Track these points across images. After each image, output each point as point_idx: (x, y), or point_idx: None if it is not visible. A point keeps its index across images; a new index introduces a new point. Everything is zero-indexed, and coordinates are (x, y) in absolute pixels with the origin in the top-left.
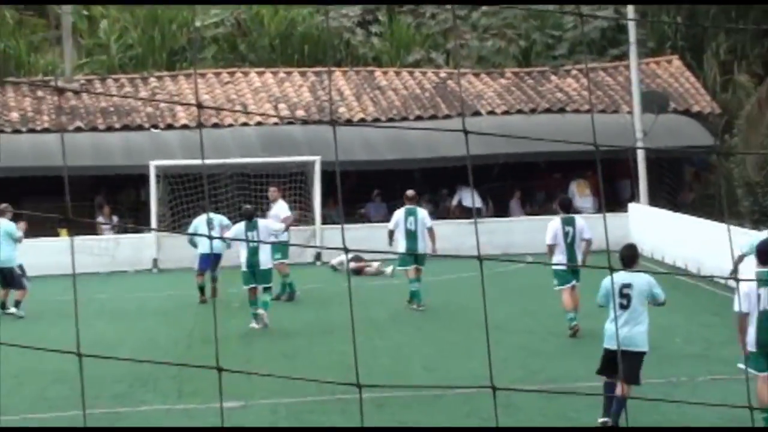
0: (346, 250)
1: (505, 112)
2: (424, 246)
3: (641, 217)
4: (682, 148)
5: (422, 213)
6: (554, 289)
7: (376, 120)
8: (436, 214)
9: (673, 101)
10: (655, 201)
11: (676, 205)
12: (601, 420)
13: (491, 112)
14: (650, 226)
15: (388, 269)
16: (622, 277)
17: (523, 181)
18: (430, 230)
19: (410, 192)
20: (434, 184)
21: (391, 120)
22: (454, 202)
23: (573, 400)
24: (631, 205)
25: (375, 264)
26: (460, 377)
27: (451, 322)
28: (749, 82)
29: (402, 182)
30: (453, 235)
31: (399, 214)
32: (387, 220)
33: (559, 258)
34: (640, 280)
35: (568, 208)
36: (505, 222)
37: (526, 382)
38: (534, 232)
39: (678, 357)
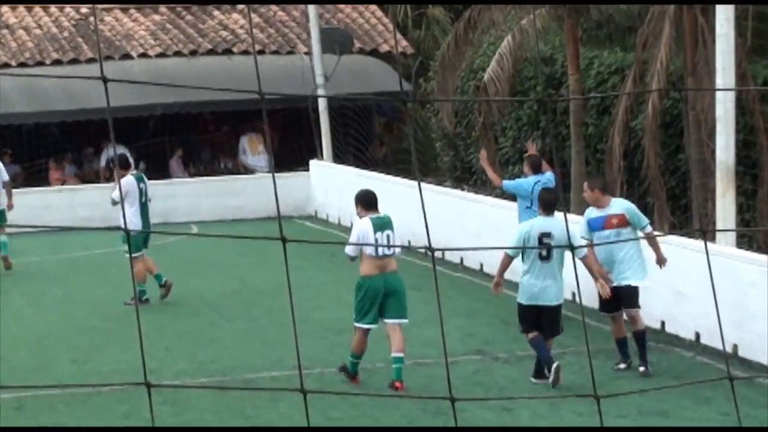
0: None
1: (161, 55)
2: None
3: (324, 177)
4: (370, 95)
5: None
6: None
7: (5, 66)
8: (81, 177)
9: (359, 40)
10: (341, 157)
11: (365, 162)
12: (554, 366)
13: (143, 55)
14: (335, 186)
15: None
16: (541, 224)
17: (184, 136)
18: (6, 184)
19: None
20: (77, 141)
21: (23, 66)
22: (102, 163)
23: (252, 396)
24: (313, 163)
25: None
26: (116, 372)
27: (97, 307)
28: (445, 17)
29: (39, 138)
30: (104, 202)
31: None
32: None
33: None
34: (561, 228)
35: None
36: (164, 185)
37: (194, 375)
38: (200, 197)
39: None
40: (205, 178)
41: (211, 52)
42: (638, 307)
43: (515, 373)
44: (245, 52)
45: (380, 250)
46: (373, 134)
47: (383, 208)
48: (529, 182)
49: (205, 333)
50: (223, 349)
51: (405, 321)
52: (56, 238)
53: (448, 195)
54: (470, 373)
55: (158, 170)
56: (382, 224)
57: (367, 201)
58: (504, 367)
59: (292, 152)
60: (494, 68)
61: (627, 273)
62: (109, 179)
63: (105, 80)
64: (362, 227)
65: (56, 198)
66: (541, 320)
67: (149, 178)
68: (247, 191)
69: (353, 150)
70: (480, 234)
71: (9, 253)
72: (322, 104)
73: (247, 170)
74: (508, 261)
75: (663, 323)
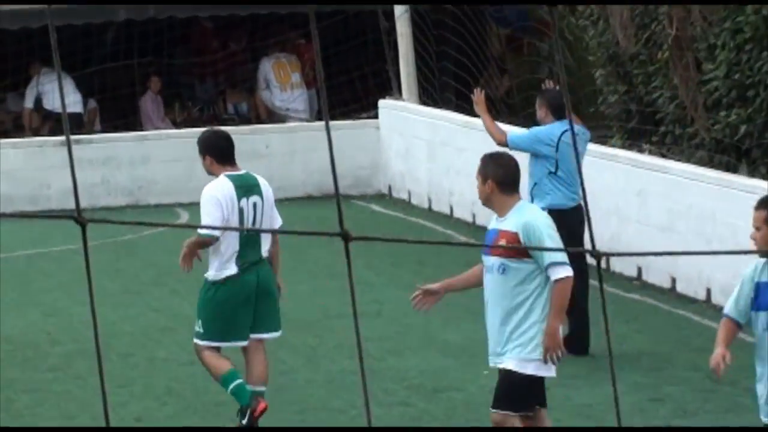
0: None
1: None
2: None
3: (404, 128)
4: None
5: None
6: None
7: None
8: None
9: None
10: (432, 96)
11: (471, 103)
12: None
13: None
14: (422, 144)
15: None
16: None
17: (165, 58)
18: None
19: None
20: None
21: None
22: (28, 102)
23: None
24: (385, 105)
25: None
26: None
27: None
28: None
29: None
30: (31, 170)
31: None
32: None
33: None
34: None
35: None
36: (131, 142)
37: None
38: (192, 162)
39: None
40: (201, 129)
41: None
42: (515, 410)
43: None
44: None
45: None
46: (489, 57)
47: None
48: (552, 131)
49: None
50: None
51: (278, 334)
52: None
53: (615, 160)
54: None
55: (121, 115)
56: (247, 186)
57: (219, 149)
58: None
59: (347, 88)
60: None
61: (509, 345)
62: (38, 130)
63: None
64: (220, 191)
65: None
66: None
67: (105, 128)
68: (273, 152)
69: (454, 83)
70: (671, 227)
71: None
72: (400, 8)
73: (273, 116)
74: (726, 327)
75: None
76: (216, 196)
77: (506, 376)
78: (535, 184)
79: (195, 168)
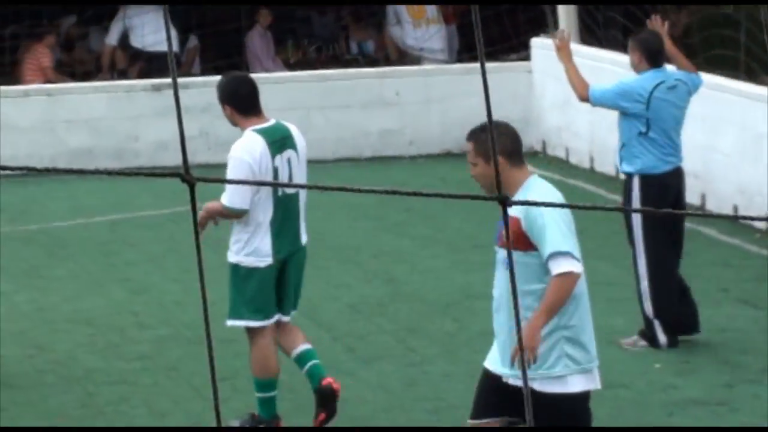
0: None
1: None
2: None
3: (564, 72)
4: None
5: None
6: None
7: None
8: (70, 67)
9: None
10: (595, 34)
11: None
12: None
13: None
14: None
15: None
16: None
17: None
18: None
19: None
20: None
21: None
22: (112, 39)
23: None
24: (538, 44)
25: None
26: None
27: None
28: None
29: None
30: (113, 118)
31: None
32: None
33: None
34: None
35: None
36: None
37: None
38: (308, 110)
39: None
40: (319, 72)
41: None
42: None
43: None
44: None
45: (286, 192)
46: None
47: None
48: (643, 84)
49: None
50: None
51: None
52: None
53: None
54: None
55: (224, 54)
56: (281, 139)
57: (240, 97)
58: None
59: (493, 23)
60: None
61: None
62: (124, 72)
63: None
64: (251, 153)
65: (25, 108)
66: None
67: (205, 69)
68: (405, 100)
69: (621, 19)
70: None
71: None
72: None
73: (404, 56)
74: None
75: None
76: (247, 162)
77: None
78: (623, 145)
79: (311, 118)
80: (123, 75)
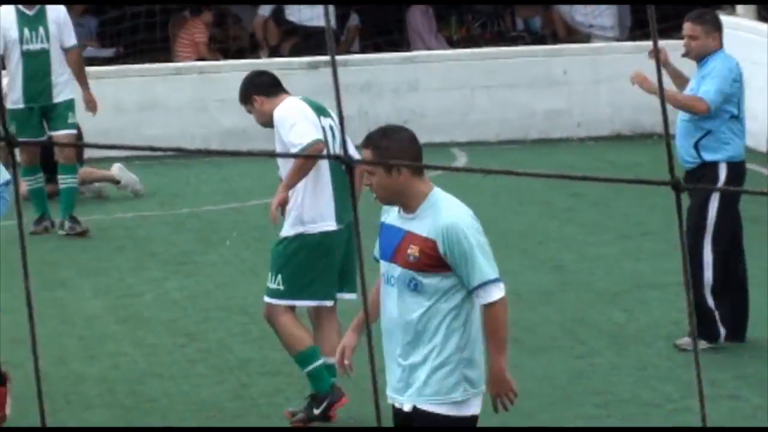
0: None
1: None
2: None
3: (740, 50)
4: None
5: None
6: None
7: None
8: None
9: None
10: None
11: None
12: None
13: None
14: (765, 69)
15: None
16: None
17: None
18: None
19: None
20: None
21: None
22: (264, 11)
23: None
24: (728, 21)
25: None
26: None
27: None
28: None
29: None
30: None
31: None
32: None
33: None
34: None
35: None
36: (399, 65)
37: None
38: (472, 90)
39: None
40: (483, 50)
41: None
42: None
43: None
44: None
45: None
46: None
47: None
48: (732, 63)
49: None
50: None
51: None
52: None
53: None
54: None
55: (384, 30)
56: (318, 106)
57: (264, 85)
58: None
59: None
60: None
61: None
62: (276, 48)
63: None
64: (298, 105)
65: (177, 86)
66: None
67: (364, 47)
68: (573, 79)
69: None
70: None
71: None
72: None
73: (573, 34)
74: None
75: None
76: (299, 108)
77: (423, 418)
78: (708, 132)
79: (475, 98)
80: (274, 51)
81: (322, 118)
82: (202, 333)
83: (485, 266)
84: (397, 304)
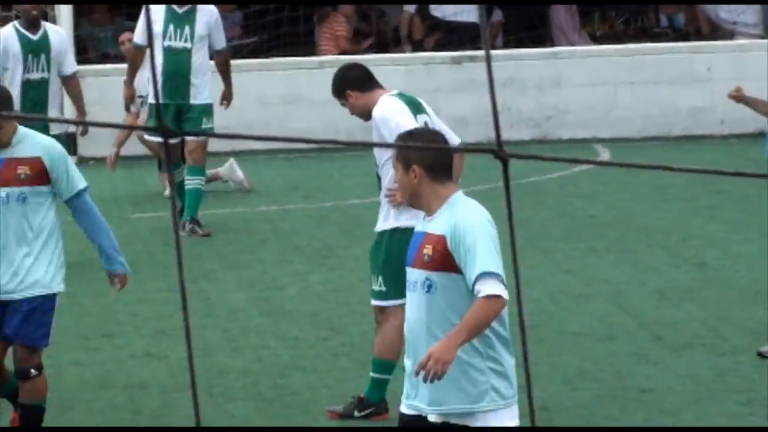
0: None
1: None
2: None
3: None
4: None
5: None
6: None
7: None
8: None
9: None
10: None
11: None
12: None
13: None
14: None
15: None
16: None
17: None
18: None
19: None
20: None
21: None
22: None
23: None
24: None
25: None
26: None
27: None
28: None
29: None
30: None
31: None
32: None
33: None
34: None
35: None
36: (543, 59)
37: None
38: (616, 85)
39: None
40: (627, 46)
41: None
42: None
43: None
44: None
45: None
46: None
47: None
48: None
49: None
50: None
51: None
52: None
53: None
54: None
55: (527, 26)
56: (413, 102)
57: (357, 79)
58: None
59: None
60: None
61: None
62: (420, 43)
63: None
64: (397, 103)
65: (320, 80)
66: None
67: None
68: (717, 76)
69: None
70: None
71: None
72: None
73: (717, 30)
74: None
75: None
76: (398, 106)
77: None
78: None
79: (618, 94)
80: (418, 46)
81: (417, 116)
82: (344, 327)
83: (488, 259)
84: (417, 309)
